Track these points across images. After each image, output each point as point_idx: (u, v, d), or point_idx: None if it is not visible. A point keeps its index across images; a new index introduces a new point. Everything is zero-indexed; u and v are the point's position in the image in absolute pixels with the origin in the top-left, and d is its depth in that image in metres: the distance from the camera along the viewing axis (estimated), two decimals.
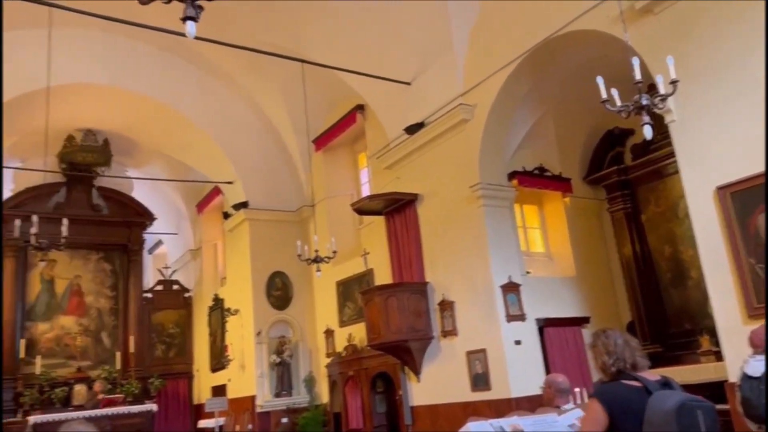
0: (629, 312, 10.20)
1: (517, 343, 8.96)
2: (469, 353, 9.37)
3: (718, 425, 2.82)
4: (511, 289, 9.17)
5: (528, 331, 9.18)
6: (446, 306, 9.90)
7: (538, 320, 9.37)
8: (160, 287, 16.58)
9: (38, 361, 13.72)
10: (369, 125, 12.53)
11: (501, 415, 4.27)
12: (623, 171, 10.32)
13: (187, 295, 16.83)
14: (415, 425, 10.30)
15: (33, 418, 11.37)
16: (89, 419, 9.89)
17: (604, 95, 5.41)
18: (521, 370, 8.82)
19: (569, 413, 3.51)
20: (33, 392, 13.22)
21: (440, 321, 10.03)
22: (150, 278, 17.53)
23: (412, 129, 10.53)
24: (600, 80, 5.47)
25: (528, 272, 9.80)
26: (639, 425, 2.73)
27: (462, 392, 9.37)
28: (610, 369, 2.93)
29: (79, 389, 13.71)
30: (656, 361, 8.58)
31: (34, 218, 8.44)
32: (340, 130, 13.11)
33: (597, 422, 2.83)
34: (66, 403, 13.35)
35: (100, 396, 13.04)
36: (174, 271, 17.12)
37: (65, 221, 8.99)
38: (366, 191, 13.41)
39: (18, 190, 14.73)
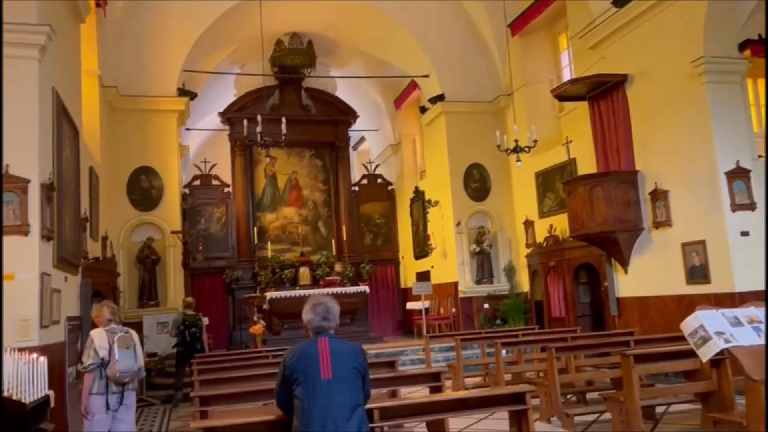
0: None
1: (744, 234, 8.15)
2: (685, 245, 8.77)
3: None
4: (738, 175, 8.24)
5: (757, 221, 8.25)
6: (659, 195, 9.25)
7: None
8: (365, 181, 17.66)
9: (269, 246, 15.71)
10: (570, 2, 11.56)
11: None
12: None
13: (390, 188, 17.74)
14: (621, 316, 10.08)
15: (269, 294, 13.16)
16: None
17: None
18: (747, 263, 8.05)
19: None
20: (267, 273, 15.28)
21: (651, 211, 9.44)
22: (356, 173, 18.71)
23: (621, 1, 9.52)
24: None
25: (760, 156, 8.67)
26: None
27: (676, 285, 8.89)
28: None
29: (304, 271, 15.52)
30: None
31: (259, 118, 9.34)
32: (538, 11, 12.31)
33: None
34: (294, 283, 15.26)
35: (334, 276, 14.55)
36: (377, 166, 18.04)
37: (284, 120, 9.82)
38: (567, 75, 12.67)
39: (239, 95, 16.33)
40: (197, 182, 15.70)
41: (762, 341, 3.07)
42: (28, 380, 4.25)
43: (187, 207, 14.52)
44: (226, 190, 15.92)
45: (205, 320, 10.43)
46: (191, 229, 13.85)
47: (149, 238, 12.49)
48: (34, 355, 4.41)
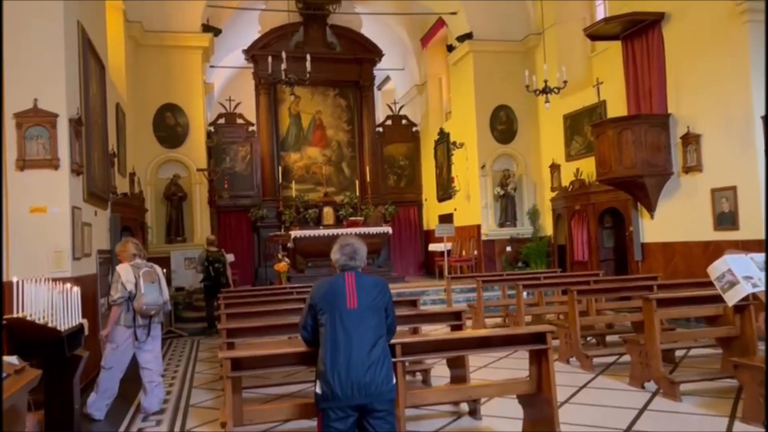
0: None
1: None
2: (715, 190, 8.60)
3: None
4: None
5: None
6: (691, 139, 9.02)
7: None
8: (389, 122, 17.46)
9: (293, 185, 15.79)
10: None
11: None
12: None
13: (414, 129, 17.54)
14: (645, 261, 10.04)
15: (294, 233, 13.31)
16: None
17: None
18: None
19: None
20: (291, 212, 15.42)
21: (682, 156, 9.23)
22: (380, 113, 18.50)
23: None
24: None
25: None
26: None
27: (703, 231, 8.78)
28: None
29: (327, 211, 15.61)
30: None
31: (284, 55, 9.22)
32: None
33: None
34: (318, 222, 15.39)
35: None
36: (402, 106, 17.80)
37: (309, 57, 9.67)
38: (601, 14, 12.21)
39: (264, 32, 16.06)
40: (222, 120, 15.68)
41: None
42: (62, 309, 4.40)
43: (213, 145, 14.58)
44: (250, 128, 15.90)
45: (230, 257, 10.66)
46: (217, 167, 13.95)
47: (175, 175, 12.65)
48: (68, 285, 4.54)
